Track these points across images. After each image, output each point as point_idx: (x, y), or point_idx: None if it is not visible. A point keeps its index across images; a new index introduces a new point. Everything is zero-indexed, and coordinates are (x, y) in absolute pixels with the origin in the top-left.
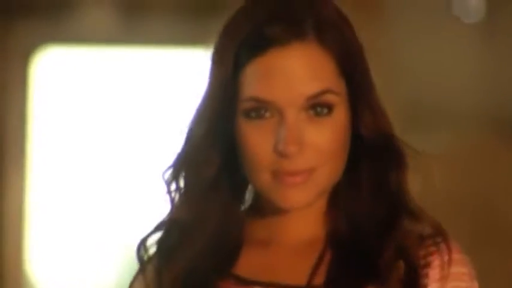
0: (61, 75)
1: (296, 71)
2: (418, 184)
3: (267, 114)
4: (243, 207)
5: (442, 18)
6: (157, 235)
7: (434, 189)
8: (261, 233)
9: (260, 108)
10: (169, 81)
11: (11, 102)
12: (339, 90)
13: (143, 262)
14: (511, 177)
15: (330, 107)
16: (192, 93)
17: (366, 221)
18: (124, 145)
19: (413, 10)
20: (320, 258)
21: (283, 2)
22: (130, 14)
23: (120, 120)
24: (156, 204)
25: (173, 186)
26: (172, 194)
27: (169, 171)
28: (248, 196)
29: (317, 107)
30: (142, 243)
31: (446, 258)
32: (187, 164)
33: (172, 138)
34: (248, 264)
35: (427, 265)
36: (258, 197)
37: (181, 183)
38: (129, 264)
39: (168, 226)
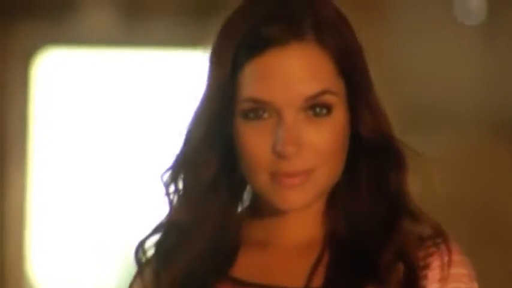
0: (62, 77)
1: (295, 71)
2: (417, 185)
3: (265, 115)
4: (240, 208)
5: (443, 20)
6: (155, 237)
7: (434, 191)
8: (259, 234)
9: (258, 109)
10: (170, 83)
11: (12, 103)
12: (337, 90)
13: (141, 264)
14: (511, 179)
15: (328, 108)
16: (192, 95)
17: (365, 222)
18: (124, 146)
19: (414, 12)
20: (318, 260)
21: (282, 1)
22: (131, 16)
23: (121, 121)
24: (156, 206)
25: (172, 188)
26: (171, 196)
27: (168, 173)
28: (246, 197)
29: (316, 107)
30: (141, 246)
31: (446, 259)
32: (185, 166)
33: (172, 139)
34: (246, 266)
35: (427, 266)
36: (256, 198)
37: (180, 185)
38: (129, 266)
39: (167, 228)
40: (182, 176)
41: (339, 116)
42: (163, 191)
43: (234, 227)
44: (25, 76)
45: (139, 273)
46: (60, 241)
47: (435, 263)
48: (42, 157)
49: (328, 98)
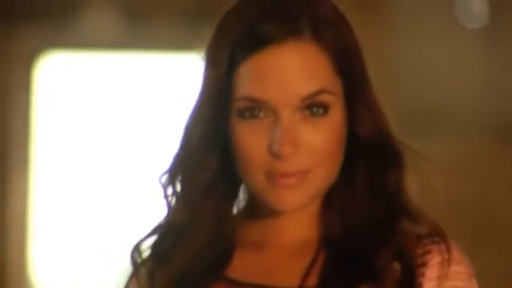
0: (64, 80)
1: (291, 70)
2: (417, 185)
3: (262, 114)
4: (236, 209)
5: (445, 24)
6: (151, 239)
7: (435, 193)
8: (254, 235)
9: (254, 108)
10: (172, 86)
11: (15, 106)
12: (335, 89)
13: (136, 265)
14: (511, 181)
15: (325, 107)
16: (194, 98)
17: (362, 223)
18: (127, 149)
19: (416, 14)
20: (313, 260)
21: None
22: (134, 19)
23: (123, 124)
24: (157, 208)
25: (170, 190)
26: (169, 198)
27: (166, 176)
28: (242, 198)
29: (313, 107)
30: (137, 247)
31: (445, 257)
32: (182, 169)
33: (172, 141)
34: (241, 266)
35: (424, 264)
36: (251, 198)
37: (178, 187)
38: (129, 268)
39: (164, 229)
40: (179, 178)
41: (336, 115)
42: (162, 193)
43: (230, 227)
44: (27, 79)
45: (135, 273)
46: (61, 244)
47: (433, 260)
48: (44, 160)
49: (325, 98)
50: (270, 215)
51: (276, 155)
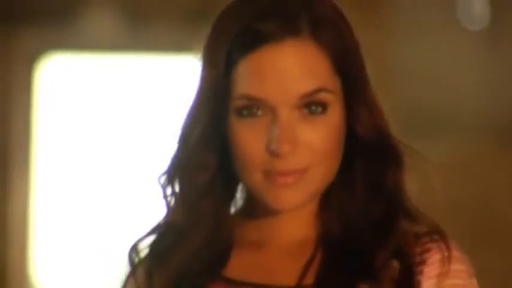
0: (65, 82)
1: (289, 68)
2: (416, 186)
3: (259, 113)
4: (234, 208)
5: (446, 25)
6: (149, 238)
7: (435, 194)
8: (252, 234)
9: (252, 106)
10: (174, 88)
11: (16, 108)
12: (333, 88)
13: (134, 265)
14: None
15: (324, 106)
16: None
17: (360, 222)
18: (128, 150)
19: (417, 16)
20: (311, 259)
21: None
22: (134, 21)
23: (124, 126)
24: (156, 209)
25: (169, 191)
26: (168, 198)
27: (164, 177)
28: (239, 197)
29: (311, 105)
30: (135, 246)
31: (445, 255)
32: (180, 170)
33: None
34: (239, 266)
35: (422, 262)
36: (249, 197)
37: (176, 188)
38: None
39: (163, 229)
40: (178, 180)
41: (335, 114)
42: (161, 193)
43: (227, 227)
44: (28, 81)
45: (132, 273)
46: (62, 245)
47: (432, 258)
48: (45, 161)
49: (324, 96)
50: (267, 214)
51: (274, 154)
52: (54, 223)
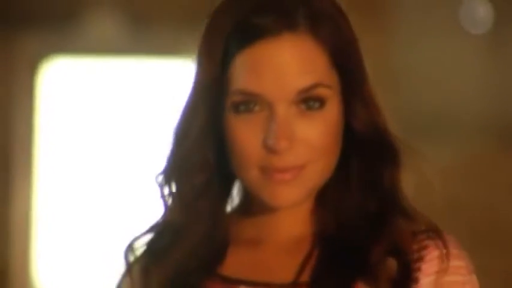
0: (67, 85)
1: (287, 63)
2: (416, 186)
3: (256, 108)
4: (230, 206)
5: (449, 29)
6: (145, 237)
7: (436, 195)
8: (249, 231)
9: (249, 102)
10: (175, 91)
11: (18, 111)
12: (331, 83)
13: (129, 263)
14: None
15: (321, 101)
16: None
17: (355, 219)
18: (130, 153)
19: (420, 20)
20: (308, 256)
21: None
22: (136, 24)
23: (127, 129)
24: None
25: (166, 190)
26: (166, 198)
27: (161, 176)
28: (236, 194)
29: (308, 101)
30: (131, 245)
31: (443, 251)
32: (177, 171)
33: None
34: (235, 264)
35: (420, 259)
36: (246, 195)
37: (173, 188)
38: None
39: (161, 228)
40: (175, 179)
41: (333, 109)
42: (159, 192)
43: (224, 226)
44: (31, 85)
45: (128, 271)
46: (64, 246)
47: (431, 255)
48: (47, 164)
49: (321, 91)
50: (264, 211)
51: (271, 150)
52: (55, 224)
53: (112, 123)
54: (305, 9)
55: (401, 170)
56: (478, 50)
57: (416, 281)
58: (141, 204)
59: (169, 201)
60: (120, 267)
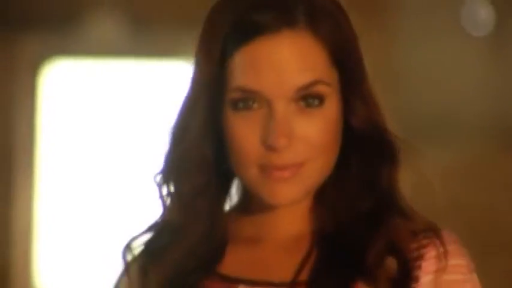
0: (69, 87)
1: (286, 60)
2: (416, 186)
3: (255, 105)
4: (229, 204)
5: (451, 31)
6: (143, 237)
7: (437, 196)
8: (247, 230)
9: (248, 99)
10: (176, 93)
11: (20, 113)
12: (330, 80)
13: (127, 262)
14: None
15: (321, 98)
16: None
17: (354, 217)
18: (131, 155)
19: (421, 21)
20: (307, 255)
21: None
22: (137, 26)
23: (128, 131)
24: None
25: (165, 190)
26: (164, 197)
27: (160, 176)
28: (234, 193)
29: (308, 98)
30: (129, 244)
31: (441, 251)
32: (176, 168)
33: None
34: (234, 262)
35: (420, 257)
36: (245, 193)
37: (172, 188)
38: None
39: (160, 228)
40: (173, 179)
41: (332, 107)
42: (157, 192)
43: (222, 225)
44: (32, 86)
45: (126, 271)
46: (66, 248)
47: (430, 253)
48: (48, 166)
49: (321, 89)
50: (263, 209)
51: (270, 148)
52: (57, 226)
53: (112, 124)
54: (305, 6)
55: (399, 168)
56: (479, 52)
57: (416, 279)
58: (141, 204)
59: (168, 201)
60: (118, 267)
